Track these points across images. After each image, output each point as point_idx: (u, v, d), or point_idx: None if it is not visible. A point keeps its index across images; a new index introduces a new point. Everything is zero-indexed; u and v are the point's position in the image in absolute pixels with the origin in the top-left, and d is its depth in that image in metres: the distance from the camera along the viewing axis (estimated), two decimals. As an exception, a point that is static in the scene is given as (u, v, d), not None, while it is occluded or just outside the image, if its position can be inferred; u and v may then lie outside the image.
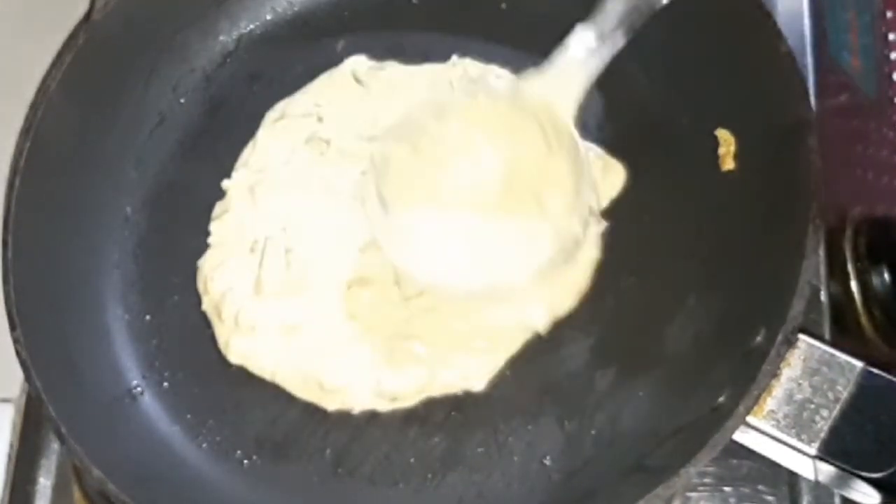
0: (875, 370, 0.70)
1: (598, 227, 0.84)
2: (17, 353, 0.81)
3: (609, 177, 0.85)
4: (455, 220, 0.79)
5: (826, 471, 0.70)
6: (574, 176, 0.80)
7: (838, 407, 0.69)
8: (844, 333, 0.85)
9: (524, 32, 0.92)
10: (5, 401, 0.96)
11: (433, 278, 0.80)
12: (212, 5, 0.97)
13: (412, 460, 0.83)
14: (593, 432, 0.80)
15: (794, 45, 0.78)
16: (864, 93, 1.02)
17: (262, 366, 0.86)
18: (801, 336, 0.71)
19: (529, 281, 0.80)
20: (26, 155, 0.86)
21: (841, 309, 0.86)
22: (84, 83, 0.90)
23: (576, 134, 0.81)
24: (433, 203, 0.79)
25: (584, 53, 0.80)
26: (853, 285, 0.88)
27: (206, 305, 0.88)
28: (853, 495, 0.71)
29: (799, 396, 0.70)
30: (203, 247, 0.91)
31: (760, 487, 0.82)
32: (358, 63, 0.93)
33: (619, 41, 0.80)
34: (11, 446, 0.95)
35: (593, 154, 0.85)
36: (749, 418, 0.69)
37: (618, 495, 0.74)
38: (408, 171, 0.79)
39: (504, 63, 0.90)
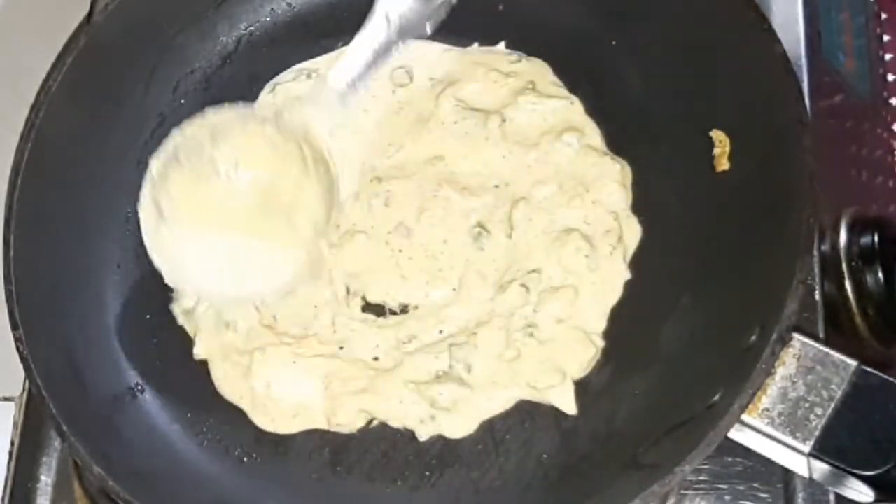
0: (869, 369, 0.70)
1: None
2: (19, 352, 0.82)
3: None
4: (216, 234, 0.84)
5: (820, 469, 0.70)
6: (326, 199, 0.85)
7: (832, 405, 0.70)
8: (838, 332, 0.86)
9: (521, 34, 0.93)
10: (7, 399, 0.97)
11: (192, 286, 0.86)
12: (211, 7, 0.97)
13: (410, 458, 0.83)
14: (589, 430, 0.80)
15: (789, 47, 0.78)
16: (858, 93, 1.02)
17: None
18: (796, 335, 0.71)
19: (277, 294, 0.87)
20: (27, 156, 0.86)
21: (835, 308, 0.87)
22: (85, 84, 0.90)
23: (328, 155, 0.86)
24: (202, 217, 0.85)
25: (342, 86, 0.87)
26: (847, 284, 0.88)
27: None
28: (847, 493, 0.71)
29: (793, 395, 0.70)
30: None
31: (755, 485, 0.82)
32: None
33: (375, 73, 0.88)
34: (13, 444, 0.95)
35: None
36: (744, 416, 0.69)
37: (613, 493, 0.74)
38: (182, 185, 0.85)
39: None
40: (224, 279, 0.84)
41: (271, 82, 0.96)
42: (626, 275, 0.84)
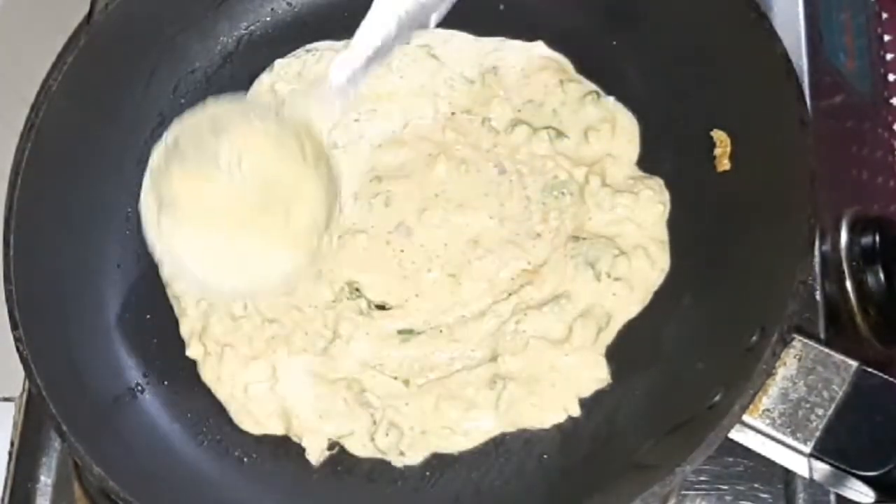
0: (870, 369, 0.70)
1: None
2: (19, 352, 0.82)
3: (622, 136, 0.87)
4: (216, 227, 0.84)
5: (821, 469, 0.70)
6: (327, 195, 0.84)
7: (833, 406, 0.70)
8: (839, 333, 0.85)
9: (521, 33, 0.92)
10: (6, 399, 0.97)
11: (191, 280, 0.85)
12: (212, 7, 0.97)
13: (410, 458, 0.84)
14: (590, 430, 0.80)
15: (790, 47, 0.78)
16: (859, 93, 1.02)
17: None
18: (797, 335, 0.71)
19: (275, 290, 0.87)
20: (28, 155, 0.86)
21: (836, 308, 0.87)
22: (85, 84, 0.90)
23: (328, 151, 0.86)
24: (202, 209, 0.84)
25: (342, 81, 0.85)
26: (848, 285, 0.88)
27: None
28: (848, 493, 0.71)
29: (794, 395, 0.70)
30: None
31: (756, 486, 0.82)
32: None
33: (376, 68, 0.87)
34: (12, 444, 0.95)
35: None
36: (745, 417, 0.69)
37: (614, 493, 0.74)
38: (182, 177, 0.84)
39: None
40: (222, 273, 0.84)
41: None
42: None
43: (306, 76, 0.95)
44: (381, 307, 0.86)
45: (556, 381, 0.81)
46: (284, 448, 0.85)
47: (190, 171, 0.84)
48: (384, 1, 0.85)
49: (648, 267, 0.83)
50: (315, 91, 0.87)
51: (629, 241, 0.84)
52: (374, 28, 0.85)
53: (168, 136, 0.85)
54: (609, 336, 0.82)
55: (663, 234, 0.84)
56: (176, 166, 0.84)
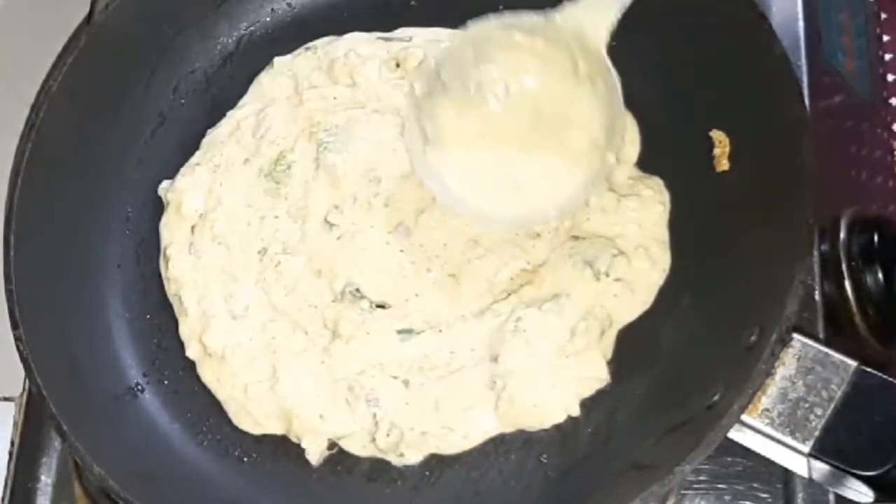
0: (869, 369, 0.70)
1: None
2: (19, 352, 0.82)
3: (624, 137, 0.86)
4: (486, 155, 0.80)
5: (820, 469, 0.70)
6: (604, 109, 0.79)
7: (832, 406, 0.70)
8: (838, 333, 0.85)
9: (521, 34, 0.93)
10: (7, 399, 0.97)
11: (468, 209, 0.82)
12: (211, 7, 0.97)
13: (410, 458, 0.84)
14: (589, 430, 0.81)
15: (789, 47, 0.79)
16: (858, 94, 1.02)
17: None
18: (796, 335, 0.71)
19: (557, 215, 0.82)
20: (28, 155, 0.86)
21: (835, 308, 0.87)
22: (85, 84, 0.90)
23: (608, 62, 0.79)
24: (469, 138, 0.80)
25: None
26: (847, 285, 0.88)
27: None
28: (847, 493, 0.71)
29: (793, 395, 0.70)
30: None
31: (755, 485, 0.82)
32: None
33: None
34: (13, 444, 0.95)
35: None
36: (744, 417, 0.69)
37: (613, 493, 0.74)
38: (447, 107, 0.80)
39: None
40: (499, 202, 0.80)
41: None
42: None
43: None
44: (381, 306, 0.86)
45: (557, 381, 0.81)
46: (284, 448, 0.85)
47: (455, 103, 0.80)
48: None
49: (649, 267, 0.83)
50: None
51: (630, 242, 0.84)
52: None
53: (431, 66, 0.81)
54: (611, 338, 0.82)
55: (664, 234, 0.84)
56: (439, 98, 0.80)
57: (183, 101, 0.97)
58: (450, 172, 0.80)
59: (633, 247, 0.84)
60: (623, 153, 0.86)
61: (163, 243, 0.92)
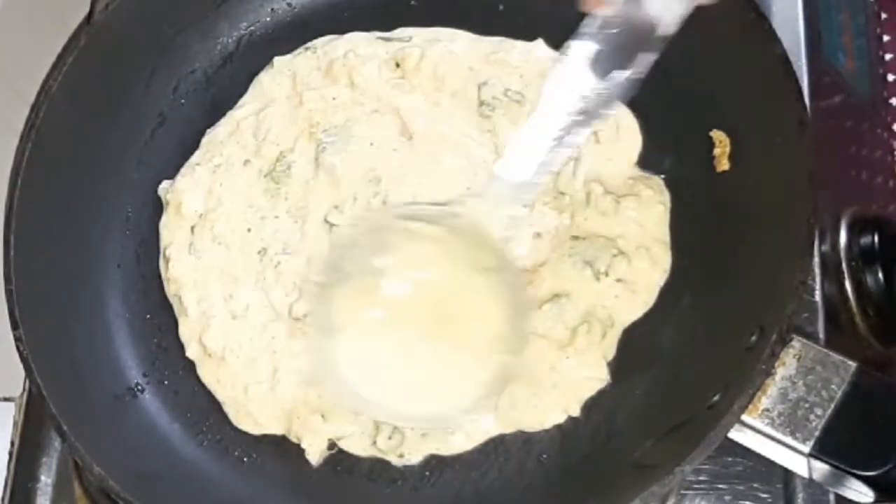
0: (869, 369, 0.70)
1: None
2: (19, 352, 0.82)
3: (624, 137, 0.86)
4: (387, 348, 0.79)
5: (820, 469, 0.70)
6: (508, 302, 0.78)
7: (832, 406, 0.69)
8: (839, 333, 0.85)
9: (522, 34, 0.92)
10: (7, 399, 0.97)
11: (367, 407, 0.80)
12: (212, 7, 0.97)
13: (410, 458, 0.84)
14: (589, 430, 0.80)
15: (789, 47, 0.78)
16: (859, 94, 1.02)
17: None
18: (796, 335, 0.71)
19: (463, 414, 0.80)
20: (28, 156, 0.86)
21: (835, 308, 0.86)
22: (85, 84, 0.90)
23: (510, 257, 0.80)
24: (371, 328, 0.79)
25: (516, 179, 0.77)
26: (847, 285, 0.88)
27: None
28: (847, 493, 0.71)
29: (793, 395, 0.70)
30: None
31: (755, 485, 0.82)
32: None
33: (561, 157, 0.78)
34: (13, 444, 0.96)
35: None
36: (744, 417, 0.69)
37: (614, 493, 0.74)
38: (348, 296, 0.79)
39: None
40: (399, 397, 0.78)
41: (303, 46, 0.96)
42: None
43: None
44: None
45: (557, 382, 0.81)
46: (284, 448, 0.85)
47: (356, 291, 0.79)
48: (552, 84, 0.76)
49: (650, 268, 0.83)
50: (488, 193, 0.79)
51: (631, 242, 0.84)
52: (543, 124, 0.76)
53: (331, 258, 0.81)
54: (614, 338, 0.82)
55: (665, 234, 0.84)
56: (342, 288, 0.79)
57: (183, 101, 0.97)
58: (350, 367, 0.79)
59: (633, 247, 0.84)
60: (623, 152, 0.87)
61: (163, 243, 0.92)
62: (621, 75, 0.74)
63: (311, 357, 0.82)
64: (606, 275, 0.83)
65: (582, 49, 0.74)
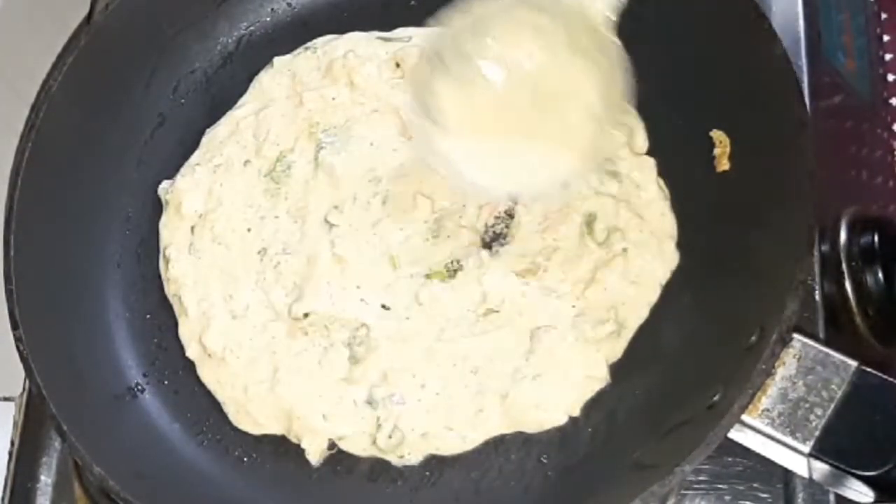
0: (869, 369, 0.70)
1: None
2: (19, 352, 0.82)
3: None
4: (489, 134, 0.79)
5: (820, 469, 0.70)
6: (604, 83, 0.78)
7: (832, 406, 0.69)
8: (839, 333, 0.85)
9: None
10: (7, 399, 0.97)
11: (471, 186, 0.81)
12: (212, 7, 0.97)
13: (410, 458, 0.84)
14: (589, 430, 0.81)
15: (789, 47, 0.78)
16: (859, 94, 1.02)
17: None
18: (796, 335, 0.71)
19: (557, 187, 0.82)
20: (28, 156, 0.86)
21: (835, 308, 0.86)
22: (85, 84, 0.90)
23: (612, 37, 0.78)
24: (471, 115, 0.79)
25: None
26: (847, 285, 0.88)
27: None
28: (847, 493, 0.71)
29: (793, 395, 0.70)
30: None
31: (755, 485, 0.82)
32: None
33: None
34: (13, 444, 0.95)
35: None
36: (744, 417, 0.69)
37: (613, 493, 0.74)
38: (448, 86, 0.79)
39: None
40: (501, 176, 0.80)
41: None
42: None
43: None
44: (384, 307, 0.86)
45: (557, 382, 0.81)
46: (284, 448, 0.85)
47: (454, 83, 0.78)
48: None
49: (655, 260, 0.83)
50: None
51: (634, 238, 0.84)
52: None
53: (431, 46, 0.80)
54: (625, 341, 0.82)
55: (673, 229, 0.84)
56: (440, 79, 0.78)
57: (183, 101, 0.97)
58: (452, 149, 0.79)
59: (635, 243, 0.84)
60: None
61: (162, 243, 0.92)
62: None
63: (415, 144, 0.83)
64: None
65: None
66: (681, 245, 0.84)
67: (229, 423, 0.86)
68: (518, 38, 0.78)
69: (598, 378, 0.82)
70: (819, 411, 0.70)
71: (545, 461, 0.81)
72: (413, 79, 0.81)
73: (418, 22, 0.95)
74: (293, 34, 0.97)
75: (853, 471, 0.68)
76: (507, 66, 0.78)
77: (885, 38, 1.10)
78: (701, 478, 0.83)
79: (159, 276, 0.92)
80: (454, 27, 0.79)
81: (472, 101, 0.78)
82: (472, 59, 0.78)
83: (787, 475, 0.81)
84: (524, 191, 0.83)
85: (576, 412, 0.81)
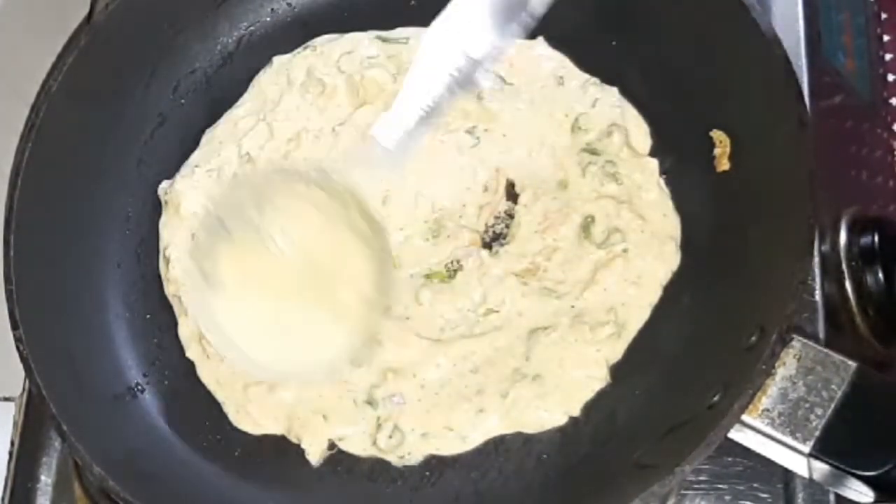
0: (869, 369, 0.70)
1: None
2: (19, 352, 0.82)
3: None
4: (264, 304, 0.80)
5: (820, 469, 0.70)
6: (376, 268, 0.80)
7: (832, 406, 0.69)
8: (839, 333, 0.85)
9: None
10: (7, 399, 0.97)
11: (240, 359, 0.81)
12: (212, 7, 0.97)
13: (410, 458, 0.84)
14: (589, 430, 0.81)
15: (789, 47, 0.78)
16: (859, 94, 1.02)
17: None
18: (796, 335, 0.71)
19: (326, 372, 0.82)
20: (28, 156, 0.86)
21: (835, 308, 0.86)
22: (85, 84, 0.90)
23: (381, 226, 0.81)
24: (246, 286, 0.80)
25: (389, 145, 0.78)
26: (847, 285, 0.88)
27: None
28: (847, 493, 0.71)
29: (793, 395, 0.70)
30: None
31: (755, 485, 0.82)
32: None
33: (427, 129, 0.78)
34: (13, 444, 0.96)
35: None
36: (744, 417, 0.69)
37: (613, 493, 0.74)
38: (227, 255, 0.80)
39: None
40: (272, 352, 0.80)
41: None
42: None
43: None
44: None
45: (560, 382, 0.81)
46: (284, 448, 0.85)
47: (235, 248, 0.80)
48: (430, 55, 0.77)
49: (656, 261, 0.83)
50: (361, 155, 0.81)
51: (634, 239, 0.84)
52: (420, 86, 0.76)
53: (211, 213, 0.81)
54: (625, 342, 0.82)
55: (676, 230, 0.84)
56: (221, 244, 0.79)
57: (183, 101, 0.97)
58: (228, 319, 0.80)
59: (641, 240, 0.84)
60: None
61: (162, 243, 0.92)
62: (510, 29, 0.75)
63: (194, 308, 0.83)
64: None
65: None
66: (681, 245, 0.84)
67: (229, 423, 0.86)
68: (298, 211, 0.79)
69: (599, 378, 0.81)
70: (819, 411, 0.70)
71: (545, 461, 0.81)
72: (193, 245, 0.81)
73: (418, 22, 0.95)
74: (293, 34, 0.97)
75: (853, 471, 0.68)
76: (286, 236, 0.79)
77: (885, 38, 1.10)
78: (701, 478, 0.82)
79: (159, 276, 0.92)
80: (238, 195, 0.80)
81: (250, 265, 0.79)
82: (254, 226, 0.79)
83: (787, 475, 0.81)
84: (291, 369, 0.81)
85: (576, 412, 0.81)
